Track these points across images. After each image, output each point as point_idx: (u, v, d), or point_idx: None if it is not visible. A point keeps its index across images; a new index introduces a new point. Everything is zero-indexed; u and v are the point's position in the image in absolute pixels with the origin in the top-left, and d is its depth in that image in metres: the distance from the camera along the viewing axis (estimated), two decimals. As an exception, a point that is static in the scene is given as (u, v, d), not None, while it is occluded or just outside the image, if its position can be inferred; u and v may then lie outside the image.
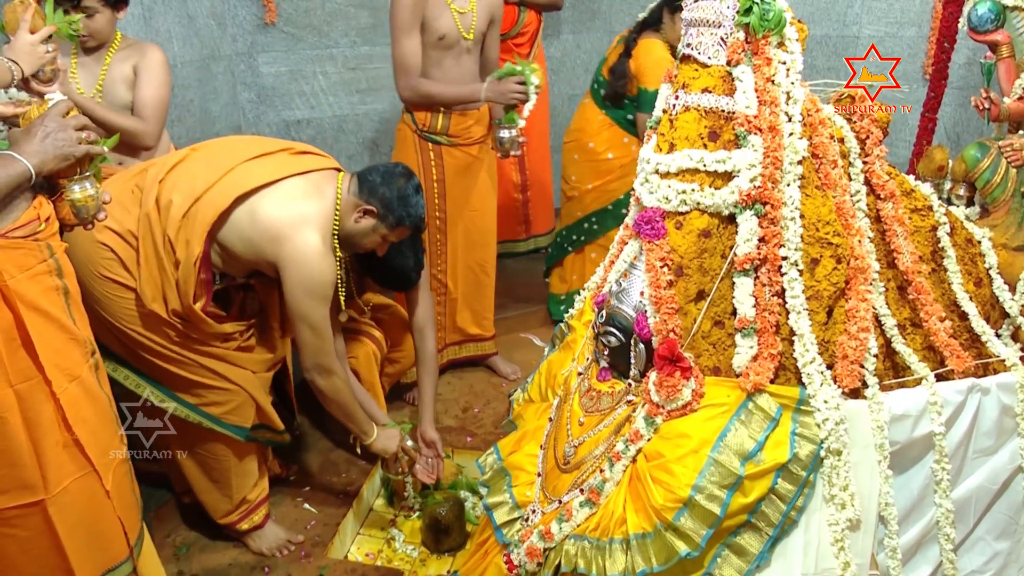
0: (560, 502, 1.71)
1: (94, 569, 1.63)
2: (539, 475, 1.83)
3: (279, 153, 2.14)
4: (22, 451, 1.48)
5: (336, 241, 2.11)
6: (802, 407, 1.59)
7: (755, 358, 1.63)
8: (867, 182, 1.84)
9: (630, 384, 1.73)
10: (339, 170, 2.18)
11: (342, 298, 2.25)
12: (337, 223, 2.10)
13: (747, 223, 1.63)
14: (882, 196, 1.83)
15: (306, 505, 2.54)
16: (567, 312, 2.15)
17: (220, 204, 1.97)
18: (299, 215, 2.01)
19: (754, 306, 1.64)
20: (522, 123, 2.75)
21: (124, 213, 2.00)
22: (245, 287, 2.25)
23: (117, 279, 1.98)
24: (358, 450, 2.40)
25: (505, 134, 2.72)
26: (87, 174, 1.51)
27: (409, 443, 2.44)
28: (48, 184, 1.51)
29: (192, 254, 1.96)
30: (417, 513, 2.58)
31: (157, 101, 2.47)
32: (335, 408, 2.25)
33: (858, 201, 1.82)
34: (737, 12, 1.63)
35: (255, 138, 2.34)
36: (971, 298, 1.90)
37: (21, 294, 1.45)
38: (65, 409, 1.52)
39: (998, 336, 1.93)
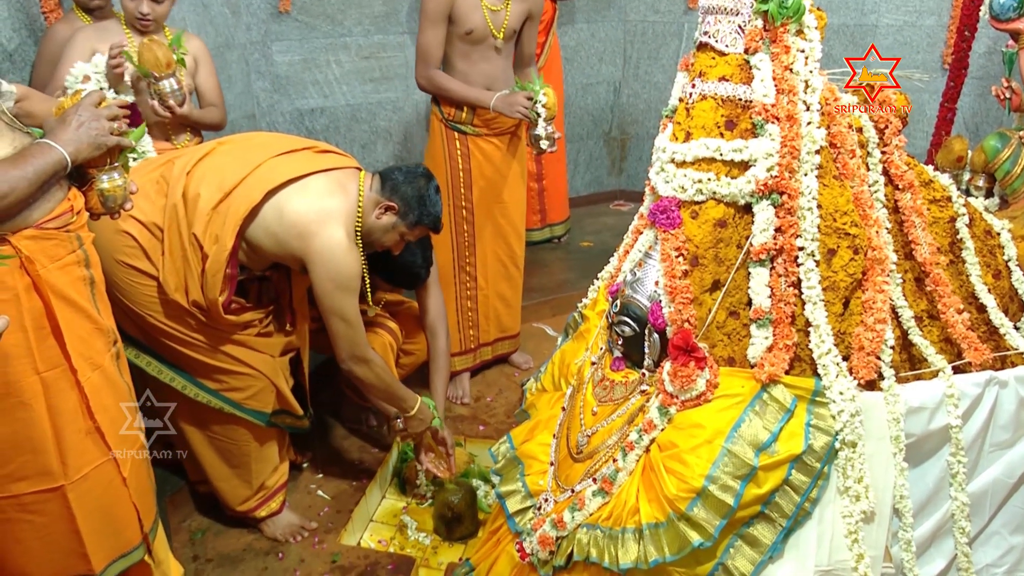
0: (573, 491, 1.71)
1: (108, 554, 1.65)
2: (552, 464, 1.84)
3: (304, 151, 2.18)
4: (45, 438, 1.51)
5: (358, 238, 2.14)
6: (817, 398, 1.58)
7: (770, 349, 1.62)
8: (885, 172, 1.83)
9: (644, 374, 1.72)
10: (359, 169, 2.23)
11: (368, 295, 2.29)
12: (360, 219, 2.13)
13: (763, 213, 1.62)
14: (900, 186, 1.81)
15: (319, 492, 2.56)
16: None
17: (252, 199, 2.00)
18: (325, 211, 2.04)
19: (770, 296, 1.63)
20: (550, 129, 2.68)
21: (149, 204, 2.01)
22: (261, 278, 2.27)
23: (138, 267, 2.00)
24: (399, 423, 2.42)
25: (541, 131, 2.67)
26: (116, 164, 1.53)
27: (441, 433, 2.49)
28: (78, 173, 1.53)
29: (224, 249, 1.98)
30: (429, 501, 2.60)
31: (218, 87, 2.67)
32: (377, 392, 2.31)
33: (876, 191, 1.80)
34: (756, 0, 1.62)
35: (279, 135, 2.39)
36: (989, 290, 1.88)
37: (51, 283, 1.47)
38: (89, 397, 1.54)
39: (1017, 329, 1.91)
